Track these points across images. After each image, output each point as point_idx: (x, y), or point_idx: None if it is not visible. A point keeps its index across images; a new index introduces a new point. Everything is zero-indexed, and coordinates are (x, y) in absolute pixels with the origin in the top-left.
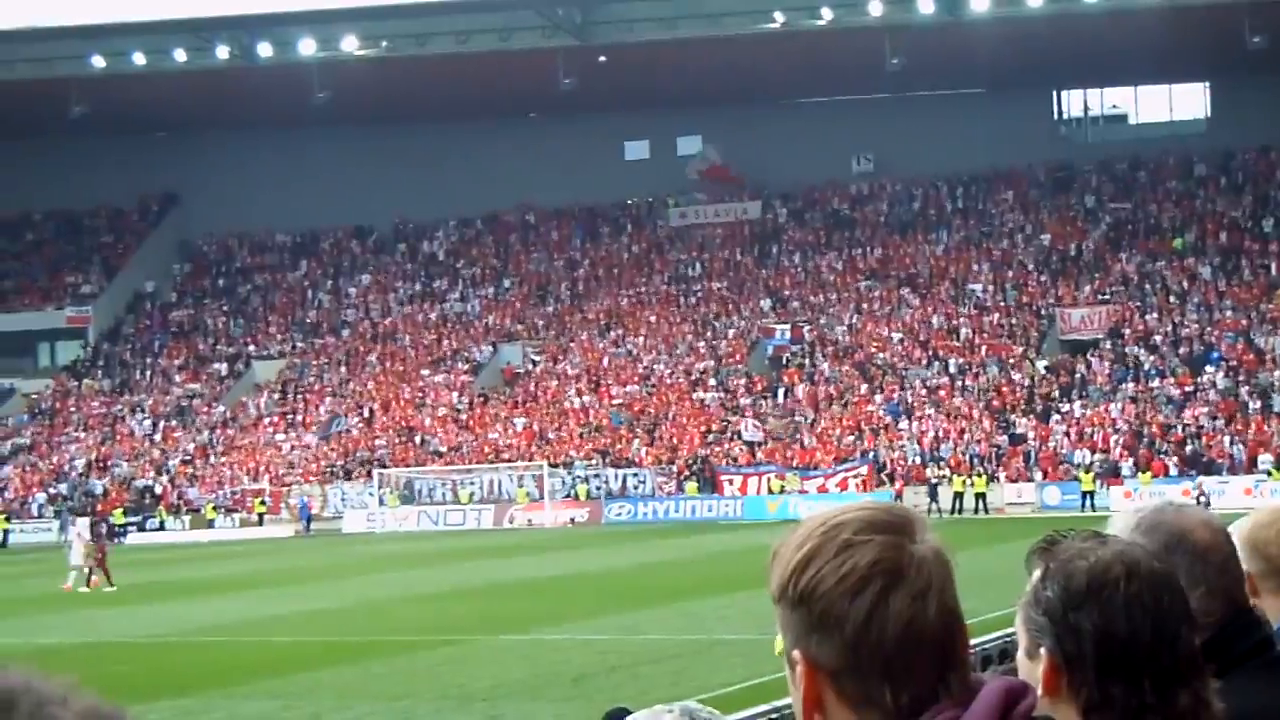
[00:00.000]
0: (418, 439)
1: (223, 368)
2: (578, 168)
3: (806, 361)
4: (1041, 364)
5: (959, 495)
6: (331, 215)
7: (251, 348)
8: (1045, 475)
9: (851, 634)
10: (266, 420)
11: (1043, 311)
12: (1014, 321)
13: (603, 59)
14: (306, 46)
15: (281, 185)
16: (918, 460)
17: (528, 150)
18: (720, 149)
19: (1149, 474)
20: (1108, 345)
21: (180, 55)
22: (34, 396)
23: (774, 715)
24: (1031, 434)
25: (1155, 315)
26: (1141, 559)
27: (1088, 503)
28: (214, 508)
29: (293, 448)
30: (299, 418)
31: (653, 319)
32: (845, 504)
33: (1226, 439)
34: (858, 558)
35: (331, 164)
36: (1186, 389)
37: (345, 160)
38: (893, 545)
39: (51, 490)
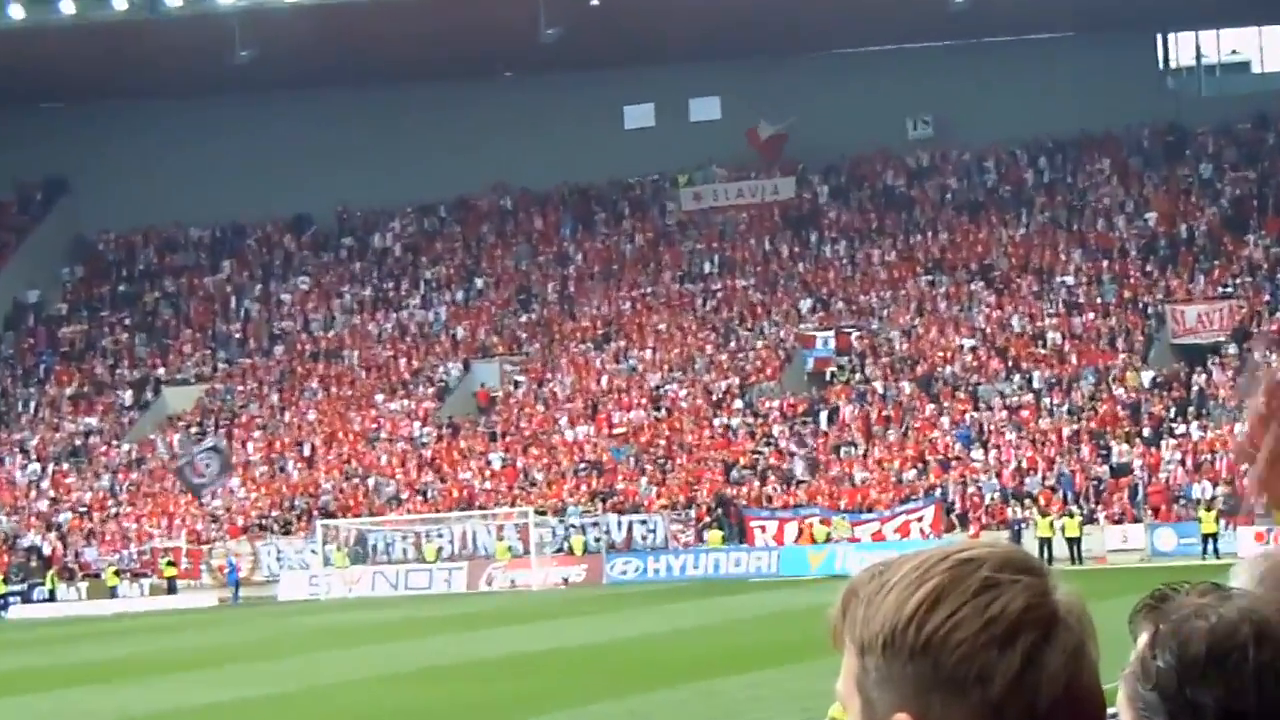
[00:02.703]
0: (371, 482)
1: (126, 396)
2: (566, 139)
3: (856, 376)
4: (1149, 375)
5: (1046, 541)
6: (260, 204)
7: (161, 371)
8: (1156, 514)
9: (998, 694)
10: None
11: (1149, 309)
12: (1114, 323)
13: (595, 3)
14: None
15: (197, 167)
16: (996, 497)
17: (503, 119)
18: (749, 112)
19: None
20: (1231, 350)
21: (68, 6)
22: None
23: None
24: (1138, 463)
25: None
26: (1273, 618)
27: (1209, 547)
28: (116, 572)
29: (214, 495)
30: (219, 456)
31: (662, 326)
32: (954, 541)
33: None
34: (1006, 600)
35: (258, 140)
36: None
37: (276, 135)
38: (1039, 590)
39: None
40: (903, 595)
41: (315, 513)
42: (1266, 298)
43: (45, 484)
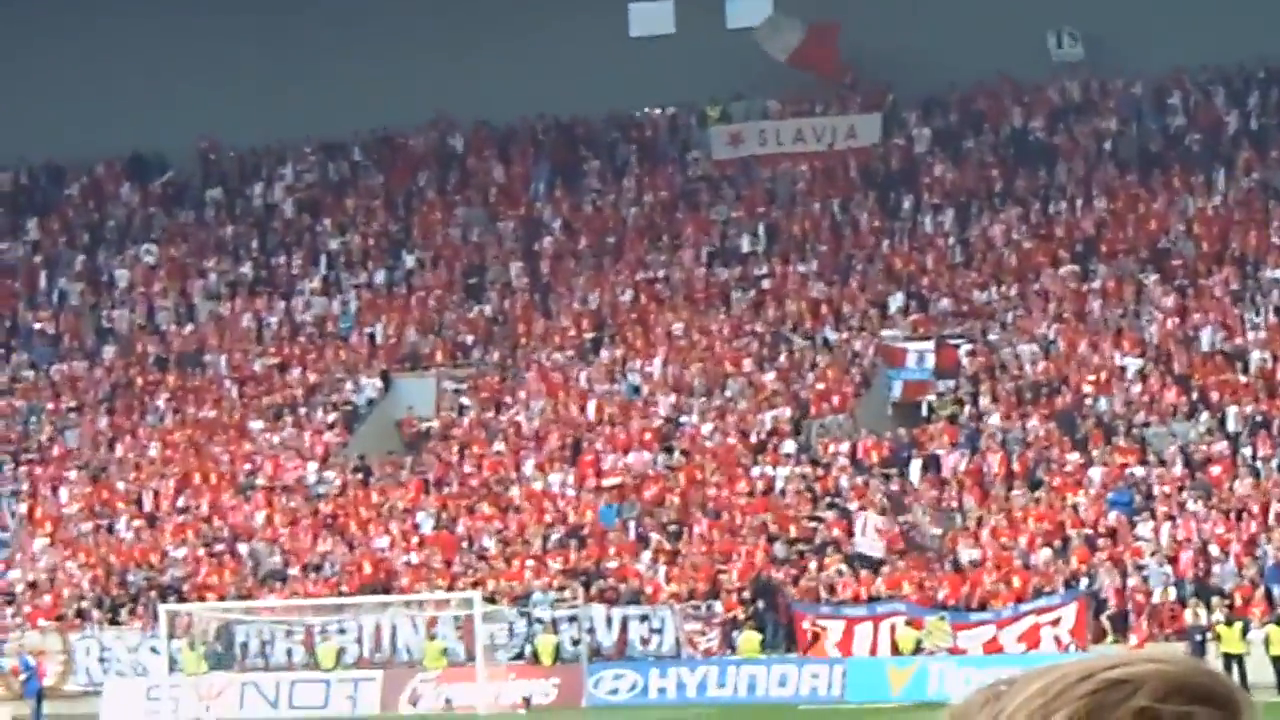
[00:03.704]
0: (241, 550)
1: None
2: (542, 52)
3: (966, 410)
4: None
5: (1236, 659)
6: (85, 136)
7: None
8: None
9: None
10: None
11: None
12: None
13: None
14: None
15: None
16: (1170, 594)
17: (449, 21)
18: (816, 12)
19: None
20: None
21: None
22: None
23: None
24: None
25: None
26: None
27: None
28: None
29: (9, 565)
30: (19, 508)
31: (679, 329)
32: (1105, 655)
33: None
34: None
35: (83, 45)
36: None
37: (108, 39)
38: None
39: None
40: None
41: (157, 593)
42: None
43: None
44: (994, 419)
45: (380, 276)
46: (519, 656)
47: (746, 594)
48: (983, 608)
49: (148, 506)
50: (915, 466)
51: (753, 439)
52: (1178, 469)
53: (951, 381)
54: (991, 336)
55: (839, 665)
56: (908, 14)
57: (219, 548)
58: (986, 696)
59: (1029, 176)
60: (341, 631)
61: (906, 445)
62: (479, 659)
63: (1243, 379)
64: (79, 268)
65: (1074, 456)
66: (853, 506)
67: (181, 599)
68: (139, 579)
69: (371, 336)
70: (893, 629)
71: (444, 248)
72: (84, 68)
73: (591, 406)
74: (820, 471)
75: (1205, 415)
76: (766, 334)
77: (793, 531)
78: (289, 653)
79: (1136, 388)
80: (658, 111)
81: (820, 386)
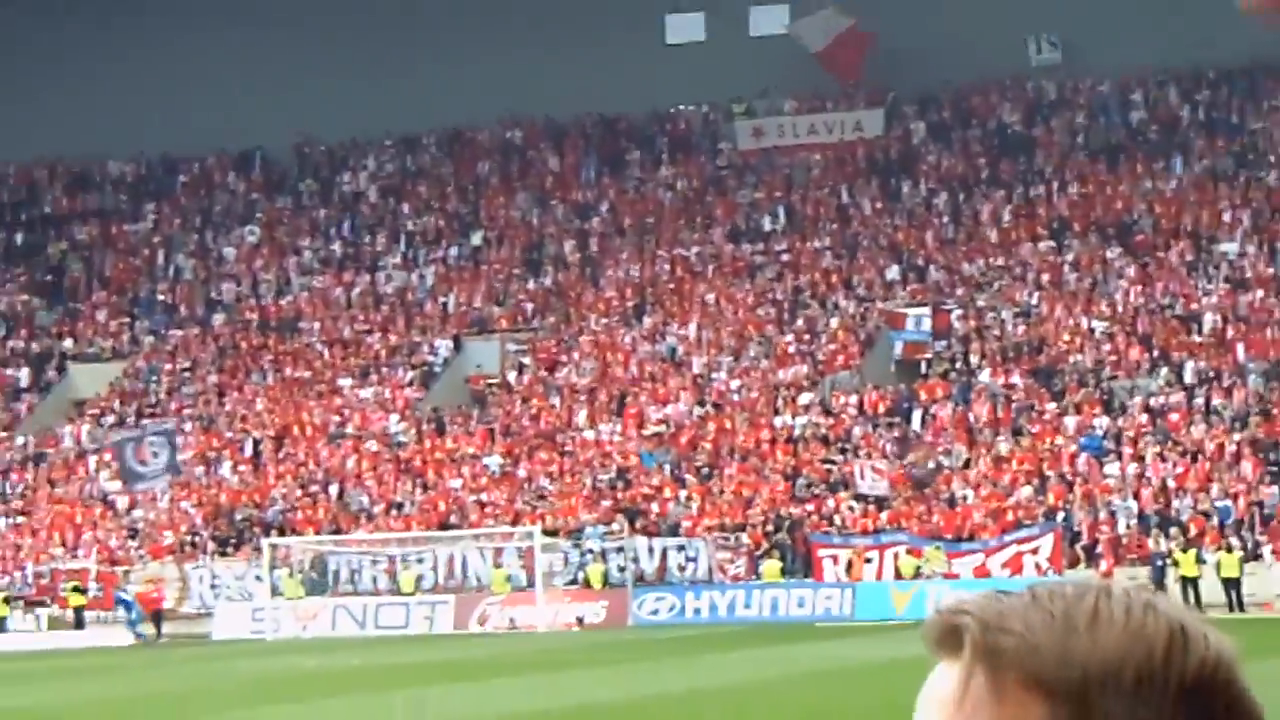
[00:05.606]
0: (333, 490)
1: (22, 376)
2: (590, 57)
3: (957, 366)
4: None
5: (1190, 581)
6: (197, 132)
7: (69, 344)
8: None
9: None
10: (92, 459)
11: None
12: None
13: None
14: None
15: (117, 83)
16: (1134, 525)
17: (510, 29)
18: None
19: None
20: None
21: None
22: None
23: None
24: None
25: None
26: None
27: None
28: (6, 599)
29: (133, 504)
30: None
31: (710, 298)
32: (1079, 578)
33: None
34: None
35: (197, 51)
36: None
37: (219, 45)
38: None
39: None
40: (1135, 626)
41: (261, 529)
42: None
43: None
44: (982, 375)
45: (453, 253)
46: (573, 582)
47: (770, 527)
48: (972, 538)
49: (251, 452)
50: (915, 416)
51: (774, 393)
52: (1141, 417)
53: (945, 342)
54: (980, 303)
55: (849, 589)
56: (905, 24)
57: (314, 489)
58: (1025, 601)
59: (1011, 164)
60: (420, 561)
61: (907, 397)
62: (538, 584)
63: (1197, 339)
64: (192, 246)
65: (1051, 407)
66: (862, 452)
67: (281, 533)
68: (245, 516)
69: (445, 305)
70: (896, 557)
71: (507, 228)
72: (195, 72)
73: (635, 365)
74: (832, 420)
75: (1165, 370)
76: (785, 301)
77: (809, 474)
78: (374, 580)
79: (1105, 347)
80: (690, 108)
81: (832, 347)
